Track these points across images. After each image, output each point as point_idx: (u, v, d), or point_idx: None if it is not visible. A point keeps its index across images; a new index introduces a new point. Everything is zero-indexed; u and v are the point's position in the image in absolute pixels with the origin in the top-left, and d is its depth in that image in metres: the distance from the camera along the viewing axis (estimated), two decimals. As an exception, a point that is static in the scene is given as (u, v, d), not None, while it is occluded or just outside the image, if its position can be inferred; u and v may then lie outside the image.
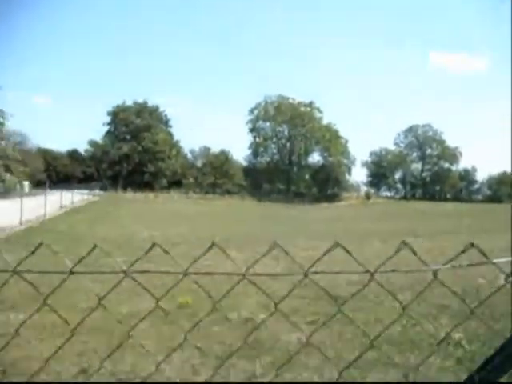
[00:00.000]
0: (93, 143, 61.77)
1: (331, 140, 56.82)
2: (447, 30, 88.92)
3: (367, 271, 0.99)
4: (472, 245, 0.95)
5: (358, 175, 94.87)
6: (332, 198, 53.05)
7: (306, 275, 1.00)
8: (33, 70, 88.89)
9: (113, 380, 3.34)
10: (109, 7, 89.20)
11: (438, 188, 65.71)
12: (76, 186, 46.14)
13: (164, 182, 58.30)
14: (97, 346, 3.99)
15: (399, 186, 68.34)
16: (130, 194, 44.77)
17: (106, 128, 60.69)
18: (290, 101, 58.49)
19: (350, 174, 60.04)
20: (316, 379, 3.39)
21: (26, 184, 41.77)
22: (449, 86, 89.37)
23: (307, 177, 59.31)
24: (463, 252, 0.97)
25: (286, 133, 59.15)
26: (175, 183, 57.93)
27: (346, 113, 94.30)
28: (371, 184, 67.30)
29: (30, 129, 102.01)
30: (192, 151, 63.99)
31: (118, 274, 1.05)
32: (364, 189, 65.67)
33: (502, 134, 69.41)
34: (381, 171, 65.07)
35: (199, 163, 62.28)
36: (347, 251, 1.02)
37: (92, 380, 3.48)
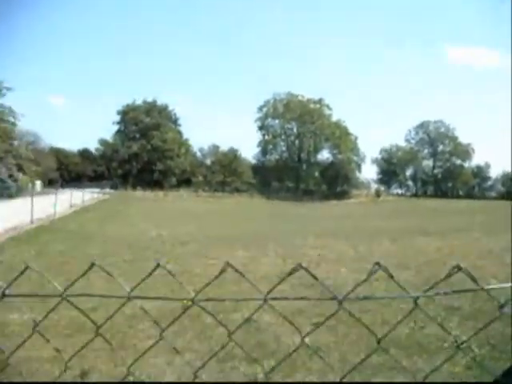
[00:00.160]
0: (103, 142, 62.42)
1: (341, 137, 56.33)
2: (460, 24, 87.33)
3: (334, 298, 0.92)
4: (459, 268, 0.86)
5: (368, 172, 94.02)
6: (341, 196, 52.65)
7: (265, 300, 0.94)
8: (47, 69, 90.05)
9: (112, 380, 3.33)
10: (115, 7, 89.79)
11: (450, 185, 64.71)
12: (87, 184, 46.74)
13: (173, 180, 58.61)
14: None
15: (410, 183, 67.53)
16: (139, 193, 45.10)
17: (116, 127, 61.31)
18: (299, 98, 58.13)
19: (359, 171, 59.59)
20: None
21: (38, 183, 42.44)
22: (461, 81, 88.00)
23: (316, 174, 58.95)
24: (449, 276, 0.89)
25: (294, 130, 58.87)
26: (184, 181, 58.18)
27: (355, 110, 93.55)
28: (381, 181, 66.59)
29: (43, 128, 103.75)
30: (201, 149, 64.25)
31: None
32: (374, 186, 65.12)
33: (517, 130, 67.96)
34: (391, 168, 64.33)
35: (208, 161, 62.42)
36: (314, 277, 0.94)
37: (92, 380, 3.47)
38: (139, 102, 60.80)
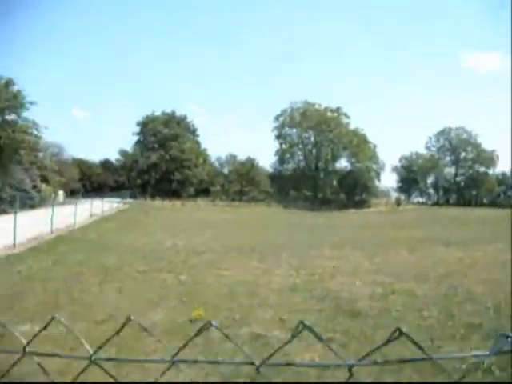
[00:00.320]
0: (123, 153, 63.78)
1: (359, 145, 55.67)
2: (477, 29, 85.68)
3: (252, 363, 0.82)
4: (400, 332, 0.76)
5: (388, 181, 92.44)
6: (360, 205, 51.81)
7: (172, 363, 0.86)
8: (70, 83, 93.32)
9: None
10: (134, 18, 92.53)
11: (473, 193, 62.75)
12: (108, 194, 47.70)
13: (191, 190, 59.14)
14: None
15: (431, 191, 65.81)
16: (158, 202, 45.66)
17: (136, 138, 62.59)
18: (316, 107, 57.95)
19: (379, 179, 58.54)
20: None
21: (61, 193, 43.61)
22: (483, 86, 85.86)
23: (335, 183, 58.32)
24: (388, 342, 0.79)
25: (312, 139, 58.56)
26: (202, 191, 58.61)
27: (374, 118, 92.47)
28: (401, 190, 65.22)
29: (66, 140, 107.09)
30: (218, 159, 64.67)
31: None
32: (394, 195, 63.80)
33: (544, 136, 65.46)
34: (411, 176, 62.97)
35: (226, 171, 62.76)
36: (226, 336, 0.86)
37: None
38: (158, 113, 62.10)
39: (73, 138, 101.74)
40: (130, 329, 3.73)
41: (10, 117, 26.41)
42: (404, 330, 0.85)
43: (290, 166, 59.72)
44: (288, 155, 58.97)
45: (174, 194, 54.24)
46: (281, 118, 58.07)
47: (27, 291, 6.70)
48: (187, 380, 3.54)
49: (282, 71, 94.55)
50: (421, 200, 64.57)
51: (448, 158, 65.21)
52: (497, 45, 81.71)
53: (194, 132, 65.05)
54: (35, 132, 27.85)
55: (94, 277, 7.85)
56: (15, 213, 12.39)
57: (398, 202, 55.03)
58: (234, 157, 62.68)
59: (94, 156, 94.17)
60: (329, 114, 57.71)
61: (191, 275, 7.92)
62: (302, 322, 0.78)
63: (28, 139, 26.91)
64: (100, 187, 61.75)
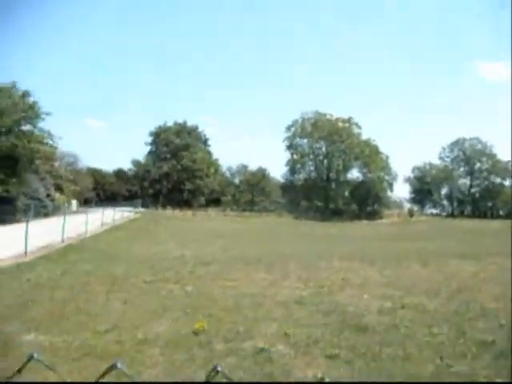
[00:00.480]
0: (135, 162, 64.68)
1: (371, 156, 55.25)
2: (491, 38, 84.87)
3: None
4: None
5: (401, 191, 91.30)
6: (372, 216, 51.17)
7: None
8: (85, 94, 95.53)
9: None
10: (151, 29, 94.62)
11: (489, 205, 61.42)
12: (121, 203, 48.32)
13: (202, 199, 59.41)
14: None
15: (445, 202, 64.66)
16: (169, 212, 45.92)
17: (149, 148, 63.43)
18: (328, 117, 57.89)
19: (391, 190, 57.84)
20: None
21: (74, 202, 44.33)
22: (498, 96, 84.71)
23: (346, 193, 57.84)
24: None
25: (323, 149, 58.36)
26: (213, 201, 58.79)
27: (387, 127, 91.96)
28: (414, 201, 64.26)
29: (81, 149, 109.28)
30: (229, 169, 64.94)
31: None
32: (407, 206, 62.86)
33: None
34: (425, 187, 62.06)
35: (237, 181, 62.92)
36: None
37: None
38: (170, 123, 62.94)
39: (88, 148, 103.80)
40: (131, 340, 3.68)
41: (26, 127, 27.08)
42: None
43: (301, 177, 59.52)
44: (299, 165, 58.82)
45: (185, 203, 54.54)
46: (292, 129, 58.15)
47: (35, 300, 6.74)
48: None
49: (295, 81, 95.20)
50: (434, 211, 63.48)
51: (462, 169, 64.15)
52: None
53: (205, 142, 65.66)
54: (50, 142, 28.47)
55: (101, 286, 7.87)
56: (27, 221, 12.58)
57: (411, 214, 54.18)
58: (245, 167, 62.87)
59: (108, 165, 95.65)
60: (340, 124, 57.55)
61: (197, 286, 7.86)
62: (215, 368, 0.73)
63: (43, 149, 27.50)
64: (113, 196, 62.53)
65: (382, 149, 56.78)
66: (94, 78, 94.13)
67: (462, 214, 59.34)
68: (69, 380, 3.66)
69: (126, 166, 68.32)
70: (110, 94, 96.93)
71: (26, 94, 26.97)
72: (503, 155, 61.62)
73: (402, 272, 9.95)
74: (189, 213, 45.74)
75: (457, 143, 64.22)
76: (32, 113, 26.65)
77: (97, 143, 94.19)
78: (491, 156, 61.74)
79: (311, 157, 59.06)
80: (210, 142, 66.03)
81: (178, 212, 45.65)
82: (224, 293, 7.26)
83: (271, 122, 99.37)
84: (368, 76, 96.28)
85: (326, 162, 58.02)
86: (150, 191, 59.72)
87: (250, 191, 58.54)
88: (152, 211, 45.99)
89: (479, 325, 5.23)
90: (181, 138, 60.90)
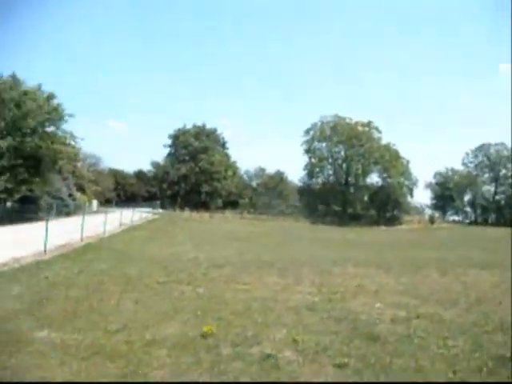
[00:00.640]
0: (155, 164, 65.78)
1: (391, 160, 54.30)
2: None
3: None
4: None
5: (422, 197, 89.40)
6: (391, 222, 50.21)
7: None
8: (108, 96, 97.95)
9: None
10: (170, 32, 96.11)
11: (515, 212, 59.28)
12: (141, 204, 49.23)
13: (219, 202, 59.76)
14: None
15: (468, 209, 62.81)
16: (186, 213, 46.38)
17: (168, 150, 64.41)
18: (347, 121, 57.27)
19: (411, 195, 56.67)
20: None
21: (95, 202, 45.40)
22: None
23: (365, 198, 56.98)
24: None
25: (342, 153, 57.72)
26: (230, 203, 59.04)
27: (408, 132, 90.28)
28: (436, 207, 62.71)
29: (103, 151, 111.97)
30: (247, 172, 65.12)
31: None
32: (428, 212, 61.42)
33: None
34: (447, 193, 60.49)
35: (254, 184, 63.01)
36: None
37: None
38: (189, 126, 63.73)
39: (110, 149, 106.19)
40: (140, 341, 3.69)
41: (50, 129, 27.97)
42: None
43: (319, 181, 59.03)
44: (317, 169, 58.36)
45: (202, 205, 55.00)
46: (311, 132, 57.77)
47: (50, 297, 6.89)
48: None
49: (314, 84, 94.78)
50: (456, 218, 61.81)
51: (487, 175, 62.25)
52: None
53: (223, 145, 66.11)
54: (72, 143, 29.31)
55: (115, 286, 7.98)
56: (47, 220, 12.93)
57: (432, 220, 52.89)
58: (262, 170, 62.96)
59: (129, 167, 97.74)
60: (360, 128, 56.84)
61: (208, 288, 7.86)
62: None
63: (66, 150, 28.31)
64: (133, 197, 63.71)
65: (402, 153, 55.85)
66: (115, 79, 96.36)
67: (485, 222, 57.51)
68: (76, 379, 3.71)
69: (146, 167, 69.59)
70: (131, 95, 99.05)
71: (50, 97, 27.87)
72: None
73: (419, 280, 9.68)
74: (206, 215, 46.07)
75: (481, 148, 62.41)
76: (56, 115, 27.51)
77: (118, 144, 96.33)
78: (517, 162, 59.67)
79: (330, 161, 58.51)
80: (227, 145, 66.58)
81: (195, 214, 46.05)
82: (235, 296, 7.24)
83: (289, 125, 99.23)
84: (389, 80, 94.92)
85: (344, 166, 57.36)
86: (169, 193, 60.55)
87: (268, 194, 58.48)
88: (170, 212, 46.56)
89: (497, 338, 5.02)
90: (199, 140, 61.56)
